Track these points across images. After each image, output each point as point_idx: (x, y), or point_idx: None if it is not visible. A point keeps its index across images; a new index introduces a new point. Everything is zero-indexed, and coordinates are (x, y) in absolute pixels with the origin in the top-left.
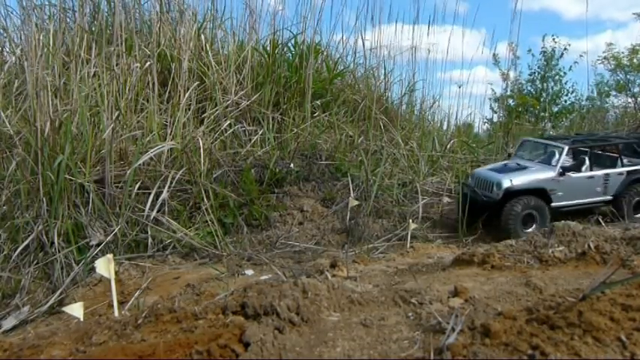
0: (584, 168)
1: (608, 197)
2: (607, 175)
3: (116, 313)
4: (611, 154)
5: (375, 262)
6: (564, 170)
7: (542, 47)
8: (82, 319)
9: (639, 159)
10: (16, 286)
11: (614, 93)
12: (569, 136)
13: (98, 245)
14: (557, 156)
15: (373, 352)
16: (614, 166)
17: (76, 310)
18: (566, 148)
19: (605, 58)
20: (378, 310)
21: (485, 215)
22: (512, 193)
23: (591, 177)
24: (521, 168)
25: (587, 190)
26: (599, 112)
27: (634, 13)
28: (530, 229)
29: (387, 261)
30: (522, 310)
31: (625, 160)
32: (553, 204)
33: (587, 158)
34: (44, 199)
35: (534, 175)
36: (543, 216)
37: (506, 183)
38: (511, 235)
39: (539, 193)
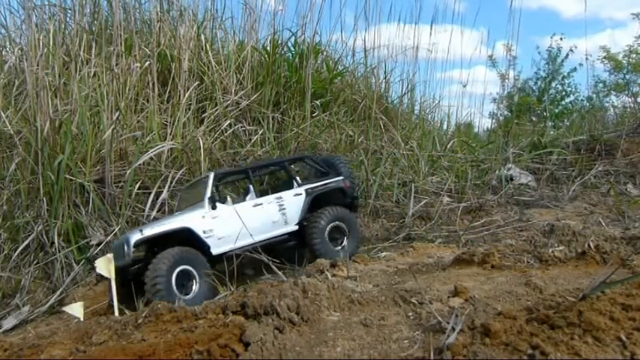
0: (248, 197)
1: (292, 227)
2: (280, 198)
3: (116, 313)
4: (284, 177)
5: (375, 261)
6: (215, 203)
7: (549, 46)
8: (82, 319)
9: (317, 179)
10: (17, 286)
11: (613, 93)
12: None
13: (98, 245)
14: (205, 188)
15: (373, 351)
16: (289, 187)
17: (76, 309)
18: (212, 175)
19: (605, 57)
20: (378, 309)
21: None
22: (152, 248)
23: (259, 204)
24: (164, 219)
25: (260, 222)
26: (599, 112)
27: (632, 14)
28: (188, 296)
29: (387, 261)
30: (522, 309)
31: (304, 181)
32: (214, 251)
33: (251, 186)
34: (44, 199)
35: (176, 218)
36: (200, 272)
37: (135, 236)
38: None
39: (188, 239)
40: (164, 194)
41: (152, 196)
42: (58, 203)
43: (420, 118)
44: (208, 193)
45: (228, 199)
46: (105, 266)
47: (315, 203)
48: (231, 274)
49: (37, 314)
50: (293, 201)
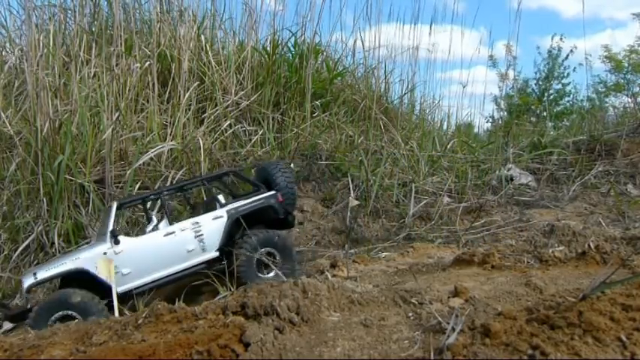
0: (162, 224)
1: (212, 254)
2: (197, 224)
3: (116, 313)
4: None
5: (375, 262)
6: (117, 237)
7: (550, 46)
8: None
9: (244, 197)
10: (17, 286)
11: (613, 93)
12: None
13: None
14: (107, 221)
15: (373, 352)
16: (208, 210)
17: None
18: (115, 204)
19: (605, 57)
20: (378, 310)
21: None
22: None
23: (170, 233)
24: (64, 257)
25: (172, 253)
26: (599, 112)
27: (632, 14)
28: None
29: (387, 261)
30: (522, 310)
31: (225, 202)
32: (120, 289)
33: (162, 213)
34: (44, 200)
35: (72, 257)
36: (93, 313)
37: (29, 280)
38: None
39: (86, 280)
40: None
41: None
42: (58, 204)
43: (420, 118)
44: (110, 227)
45: (153, 220)
46: (105, 267)
47: (239, 224)
48: (231, 274)
49: None
50: (212, 225)
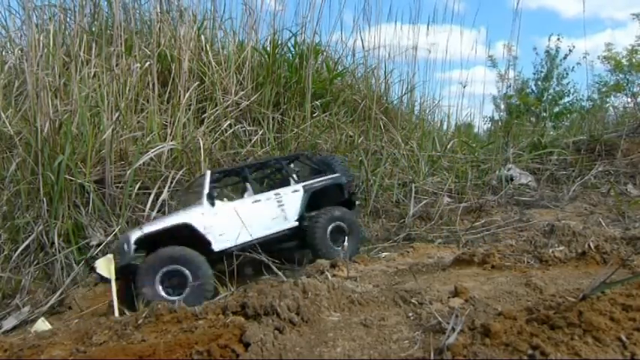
0: (246, 194)
1: (292, 223)
2: (278, 194)
3: (116, 313)
4: (282, 176)
5: (375, 262)
6: (213, 200)
7: (547, 46)
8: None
9: (314, 177)
10: (17, 287)
11: (613, 93)
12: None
13: (98, 245)
14: (203, 186)
15: (373, 352)
16: (286, 184)
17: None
18: (209, 172)
19: (605, 57)
20: (378, 310)
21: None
22: (150, 246)
23: (257, 201)
24: (163, 217)
25: (259, 219)
26: (599, 112)
27: (632, 14)
28: (178, 297)
29: (387, 261)
30: (522, 310)
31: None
32: (215, 247)
33: (248, 184)
34: (44, 200)
35: (176, 215)
36: (200, 271)
37: (136, 234)
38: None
39: (189, 236)
40: (164, 195)
41: (152, 196)
42: (58, 204)
43: (420, 118)
44: (206, 190)
45: (225, 199)
46: (105, 267)
47: (313, 201)
48: (231, 274)
49: (37, 315)
50: (291, 197)
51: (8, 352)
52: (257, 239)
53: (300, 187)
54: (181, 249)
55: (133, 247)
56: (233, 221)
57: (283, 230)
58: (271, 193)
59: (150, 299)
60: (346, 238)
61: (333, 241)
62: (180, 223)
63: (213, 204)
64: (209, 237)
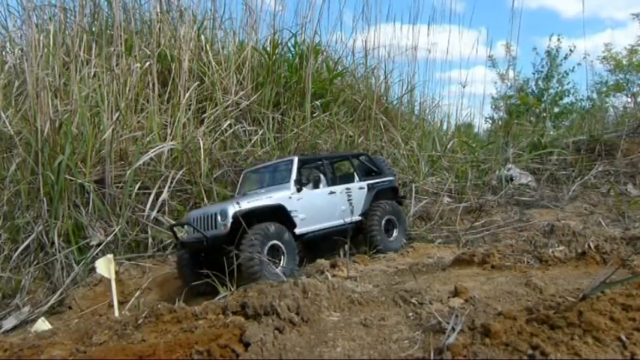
0: (321, 185)
1: (357, 217)
2: (349, 189)
3: (116, 313)
4: (347, 172)
5: (375, 262)
6: (301, 186)
7: (548, 47)
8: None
9: (373, 176)
10: (17, 287)
11: (613, 93)
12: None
13: (98, 245)
14: (290, 171)
15: (373, 352)
16: (352, 180)
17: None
18: (296, 159)
19: (604, 57)
20: (378, 310)
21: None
22: (244, 221)
23: (332, 192)
24: (250, 195)
25: (332, 209)
26: (599, 112)
27: (632, 14)
28: (277, 270)
29: (387, 261)
30: (522, 310)
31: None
32: (297, 230)
33: (322, 175)
34: (44, 200)
35: (268, 195)
36: (289, 249)
37: (234, 208)
38: (256, 281)
39: (279, 215)
40: (164, 194)
41: (152, 196)
42: (58, 204)
43: (420, 118)
44: (294, 176)
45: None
46: (105, 266)
47: (376, 197)
48: (231, 274)
49: (37, 314)
50: (358, 193)
51: (8, 352)
52: (328, 228)
53: (365, 184)
54: (281, 227)
55: (230, 220)
56: (313, 208)
57: (350, 223)
58: (343, 187)
59: (258, 270)
60: (395, 230)
61: (385, 231)
62: (276, 204)
63: (299, 189)
64: (296, 220)
